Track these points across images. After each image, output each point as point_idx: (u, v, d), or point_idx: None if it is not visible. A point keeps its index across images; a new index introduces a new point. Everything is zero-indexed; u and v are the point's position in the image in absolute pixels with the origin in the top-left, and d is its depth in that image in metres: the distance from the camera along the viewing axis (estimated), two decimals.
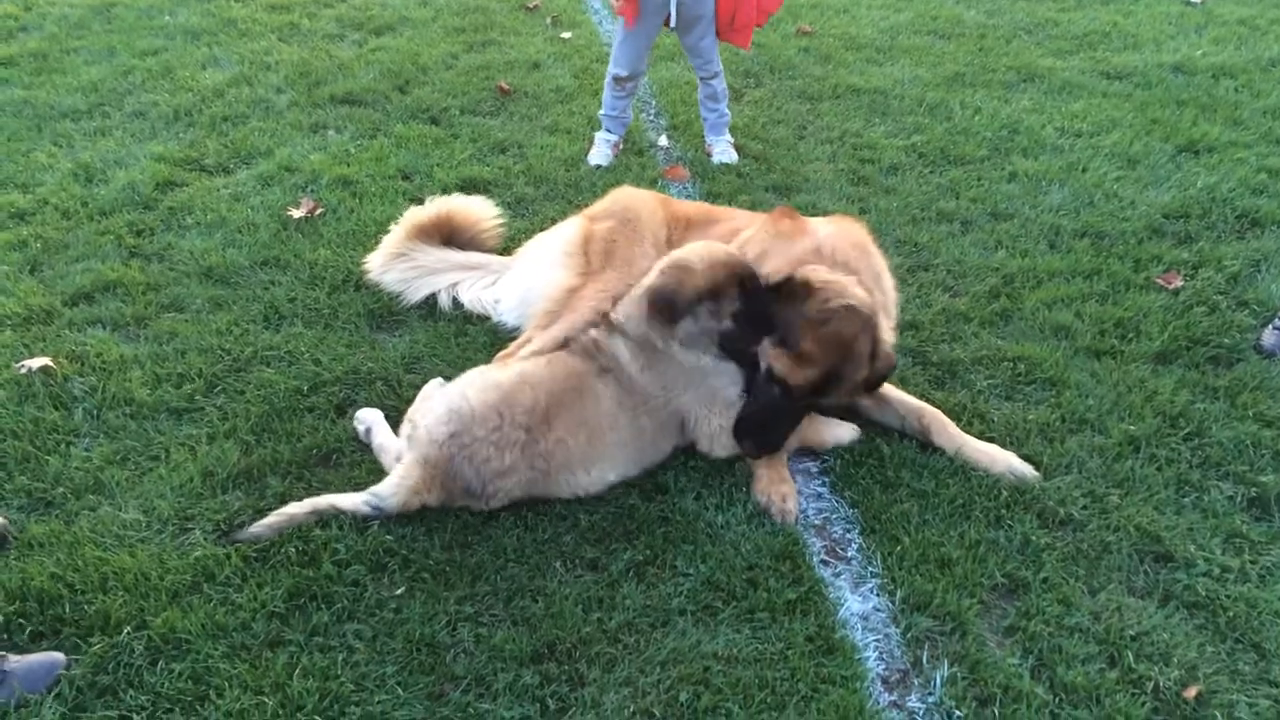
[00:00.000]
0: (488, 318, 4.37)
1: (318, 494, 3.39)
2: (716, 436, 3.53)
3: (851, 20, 8.25)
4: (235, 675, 2.78)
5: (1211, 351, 4.14)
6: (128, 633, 2.90)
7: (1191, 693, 2.76)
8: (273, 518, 3.20)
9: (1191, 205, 5.27)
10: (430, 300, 4.48)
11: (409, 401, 3.79)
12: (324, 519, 3.22)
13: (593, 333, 3.55)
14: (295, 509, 3.22)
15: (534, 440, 3.25)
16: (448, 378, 3.94)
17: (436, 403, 3.33)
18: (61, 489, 3.45)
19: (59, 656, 2.81)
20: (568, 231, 4.33)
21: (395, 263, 4.53)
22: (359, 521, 3.25)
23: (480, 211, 4.80)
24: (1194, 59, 7.24)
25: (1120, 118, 6.35)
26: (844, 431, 3.70)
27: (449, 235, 4.68)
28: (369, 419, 3.65)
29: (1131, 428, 3.71)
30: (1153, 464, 3.57)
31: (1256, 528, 3.32)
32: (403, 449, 3.41)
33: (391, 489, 3.23)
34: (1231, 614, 3.00)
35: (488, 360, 4.02)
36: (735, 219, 4.23)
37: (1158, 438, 3.67)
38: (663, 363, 3.47)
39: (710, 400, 3.52)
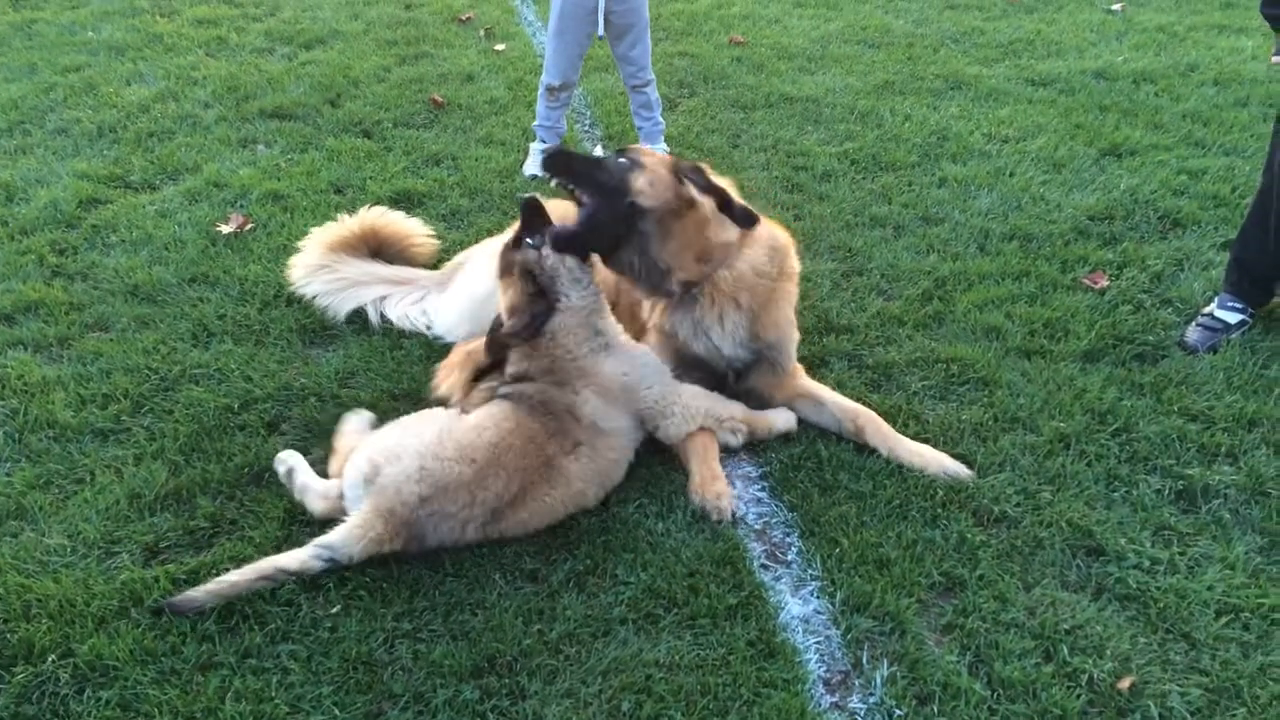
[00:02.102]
0: (420, 333, 4.32)
1: (250, 513, 3.34)
2: (673, 414, 3.56)
3: (783, 30, 8.33)
4: (165, 701, 2.70)
5: (1137, 349, 4.23)
6: (53, 661, 2.81)
7: (1125, 684, 2.80)
8: (214, 585, 2.99)
9: (1115, 207, 5.39)
10: (361, 315, 4.42)
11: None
12: (275, 582, 3.03)
13: (564, 396, 3.43)
14: (237, 576, 3.00)
15: (496, 520, 3.19)
16: (383, 397, 3.91)
17: (407, 456, 3.15)
18: None
19: None
20: (490, 250, 4.27)
21: (319, 274, 4.46)
22: (294, 542, 3.20)
23: (409, 227, 4.75)
24: (1115, 65, 7.42)
25: (1045, 123, 6.48)
26: (780, 421, 3.74)
27: (376, 249, 4.62)
28: (290, 461, 3.46)
29: (1062, 425, 3.78)
30: (1083, 460, 3.63)
31: (1184, 520, 3.39)
32: (330, 489, 3.32)
33: (353, 539, 3.05)
34: (1162, 605, 3.05)
35: (424, 374, 4.00)
36: None
37: (1087, 434, 3.74)
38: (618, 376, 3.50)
39: (655, 381, 3.57)
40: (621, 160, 3.60)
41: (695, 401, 3.60)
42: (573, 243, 3.54)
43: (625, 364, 3.54)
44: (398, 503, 3.08)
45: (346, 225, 4.61)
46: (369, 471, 3.15)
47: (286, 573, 3.02)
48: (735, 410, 3.69)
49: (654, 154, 3.68)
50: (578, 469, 3.33)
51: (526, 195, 3.66)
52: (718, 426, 3.63)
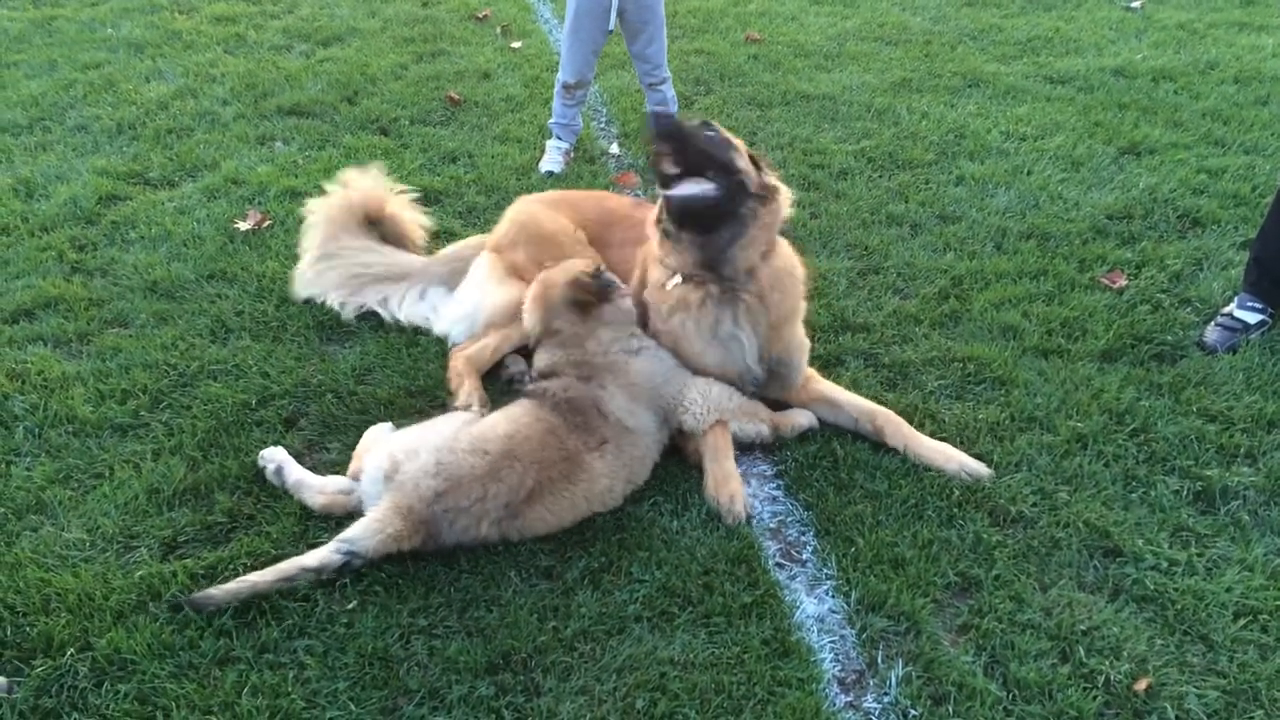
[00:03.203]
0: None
1: (267, 508, 3.35)
2: (693, 405, 3.56)
3: (800, 28, 8.32)
4: (183, 695, 2.72)
5: (1155, 349, 4.20)
6: (71, 654, 2.83)
7: (1142, 685, 2.79)
8: (234, 585, 2.99)
9: (1134, 206, 5.35)
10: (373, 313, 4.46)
11: (358, 413, 3.78)
12: (295, 582, 3.02)
13: (591, 391, 3.46)
14: (258, 577, 3.00)
15: (513, 515, 3.18)
16: (399, 394, 3.93)
17: (425, 451, 3.17)
18: (2, 509, 3.36)
19: (0, 680, 2.75)
20: (485, 268, 4.31)
21: (319, 266, 4.51)
22: (310, 538, 3.22)
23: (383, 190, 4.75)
24: (1134, 63, 7.37)
25: (1063, 121, 6.44)
26: (802, 417, 3.74)
27: (371, 222, 4.66)
28: (276, 457, 3.47)
29: (1079, 425, 3.76)
30: (1100, 460, 3.61)
31: (1202, 521, 3.37)
32: (327, 484, 3.35)
33: (369, 533, 3.05)
34: (1180, 606, 3.04)
35: (440, 371, 4.02)
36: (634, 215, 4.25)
37: (1105, 434, 3.72)
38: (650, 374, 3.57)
39: (680, 379, 3.60)
40: (714, 135, 3.58)
41: (711, 388, 3.61)
42: (698, 209, 3.49)
43: (652, 364, 3.58)
44: (416, 498, 3.08)
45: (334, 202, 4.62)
46: (389, 468, 3.16)
47: (308, 571, 3.02)
48: (758, 407, 3.69)
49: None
50: (603, 465, 3.33)
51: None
52: (737, 415, 3.62)
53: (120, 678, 2.78)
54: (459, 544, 3.15)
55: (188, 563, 3.13)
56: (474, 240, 4.61)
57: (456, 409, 3.71)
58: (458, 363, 4.00)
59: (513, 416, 3.35)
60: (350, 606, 3.00)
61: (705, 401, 3.56)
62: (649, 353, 3.63)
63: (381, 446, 3.29)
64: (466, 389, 3.88)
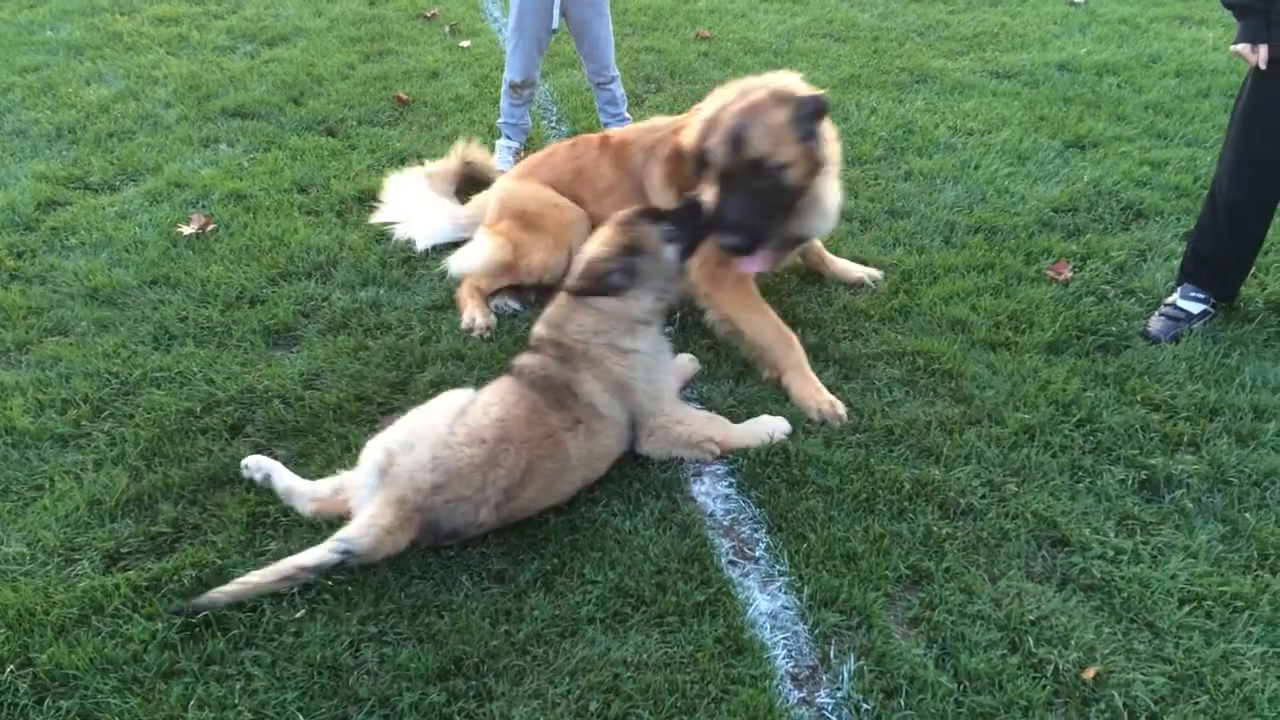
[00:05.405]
0: (387, 330, 4.30)
1: (213, 517, 3.30)
2: (657, 432, 3.57)
3: (749, 25, 8.33)
4: (127, 710, 2.67)
5: (1101, 340, 4.26)
6: (11, 671, 2.78)
7: (1090, 674, 2.82)
8: (234, 585, 2.96)
9: (1079, 199, 5.42)
10: (329, 315, 4.43)
11: (307, 419, 3.74)
12: (295, 582, 3.01)
13: (563, 372, 3.45)
14: (258, 578, 2.98)
15: (509, 499, 3.19)
16: (348, 399, 3.88)
17: (421, 445, 3.16)
18: None
19: None
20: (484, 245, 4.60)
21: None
22: (257, 546, 3.18)
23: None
24: (1079, 57, 7.46)
25: (1010, 115, 6.51)
26: (751, 434, 3.72)
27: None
28: (265, 465, 3.43)
29: (1026, 417, 3.79)
30: (1047, 451, 3.65)
31: (1147, 509, 3.42)
32: (319, 489, 3.32)
33: (362, 529, 3.05)
34: (1126, 594, 3.07)
35: (388, 375, 3.98)
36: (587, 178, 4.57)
37: (1052, 425, 3.76)
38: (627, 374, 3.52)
39: (656, 396, 3.57)
40: (743, 123, 3.69)
41: (677, 428, 3.58)
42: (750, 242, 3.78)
43: (631, 365, 3.53)
44: (410, 490, 3.08)
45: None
46: (384, 461, 3.16)
47: (306, 570, 3.00)
48: (713, 431, 3.64)
49: (766, 96, 3.75)
50: (575, 445, 3.34)
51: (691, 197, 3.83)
52: (692, 450, 3.61)
53: (62, 694, 2.73)
54: (454, 533, 3.15)
55: (131, 574, 3.07)
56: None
57: (460, 329, 4.30)
58: (463, 290, 4.51)
59: (500, 397, 3.36)
60: (298, 615, 2.96)
61: (665, 438, 3.58)
62: (641, 361, 3.56)
63: (377, 441, 3.28)
64: (470, 309, 4.41)
